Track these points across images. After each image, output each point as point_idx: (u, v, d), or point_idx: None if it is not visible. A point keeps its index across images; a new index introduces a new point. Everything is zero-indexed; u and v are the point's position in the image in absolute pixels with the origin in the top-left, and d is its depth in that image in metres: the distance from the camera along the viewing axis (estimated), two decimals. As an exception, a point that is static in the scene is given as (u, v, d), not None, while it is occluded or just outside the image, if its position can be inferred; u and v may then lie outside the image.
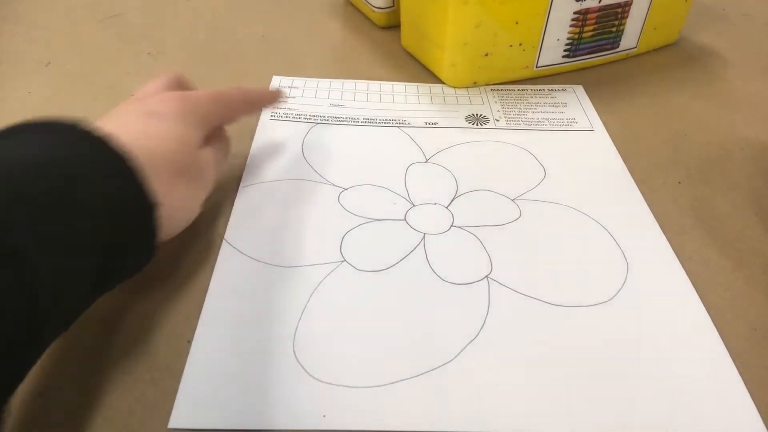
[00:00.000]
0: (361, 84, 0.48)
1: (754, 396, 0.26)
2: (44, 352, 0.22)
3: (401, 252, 0.33)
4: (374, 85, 0.48)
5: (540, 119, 0.44)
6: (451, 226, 0.35)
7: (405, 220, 0.35)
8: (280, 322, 0.29)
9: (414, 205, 0.36)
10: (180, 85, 0.35)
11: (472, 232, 0.34)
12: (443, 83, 0.48)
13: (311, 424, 0.25)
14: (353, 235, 0.34)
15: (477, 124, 0.44)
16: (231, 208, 0.35)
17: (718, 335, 0.29)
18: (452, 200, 0.37)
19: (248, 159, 0.39)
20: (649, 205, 0.37)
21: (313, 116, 0.44)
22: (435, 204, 0.36)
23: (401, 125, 0.43)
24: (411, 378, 0.27)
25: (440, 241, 0.34)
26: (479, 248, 0.33)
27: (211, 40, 0.54)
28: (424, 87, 0.48)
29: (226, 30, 0.55)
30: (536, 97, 0.47)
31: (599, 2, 0.45)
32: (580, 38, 0.47)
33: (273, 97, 0.39)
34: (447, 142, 0.42)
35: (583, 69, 0.50)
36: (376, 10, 0.55)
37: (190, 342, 0.28)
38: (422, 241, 0.34)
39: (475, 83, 0.48)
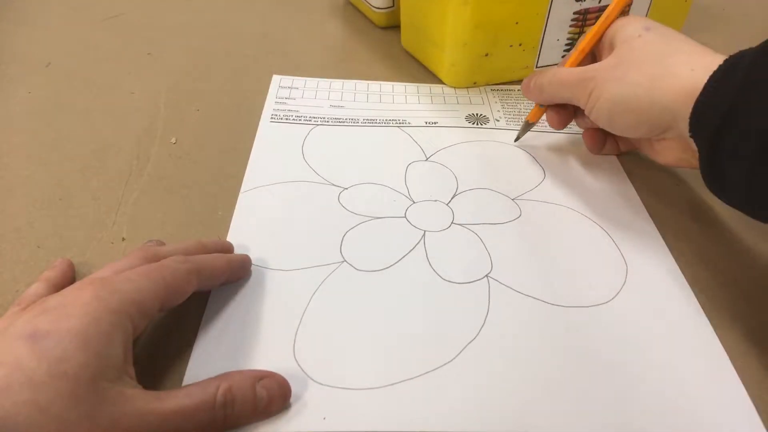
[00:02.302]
0: (362, 84, 0.48)
1: (753, 396, 0.27)
2: None
3: (401, 250, 0.33)
4: (374, 85, 0.48)
5: (540, 119, 0.44)
6: (452, 223, 0.35)
7: (405, 217, 0.35)
8: (281, 325, 0.29)
9: (414, 202, 0.36)
10: (151, 259, 0.27)
11: (472, 230, 0.35)
12: (443, 83, 0.48)
13: (311, 426, 0.25)
14: (353, 234, 0.34)
15: (477, 124, 0.44)
16: (232, 212, 0.35)
17: (717, 336, 0.29)
18: (452, 197, 0.37)
19: (249, 162, 0.39)
20: (647, 207, 0.37)
21: (314, 117, 0.44)
22: (435, 201, 0.36)
23: (401, 125, 0.43)
24: (411, 379, 0.27)
25: (441, 238, 0.34)
26: (480, 246, 0.34)
27: (211, 40, 0.54)
28: (424, 87, 0.48)
29: (226, 30, 0.55)
30: (536, 97, 0.47)
31: (599, 2, 0.45)
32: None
33: (236, 272, 0.31)
34: (447, 141, 0.42)
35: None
36: (376, 10, 0.55)
37: (191, 345, 0.28)
38: (422, 239, 0.34)
39: (475, 83, 0.48)
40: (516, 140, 0.42)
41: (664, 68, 0.30)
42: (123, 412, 0.21)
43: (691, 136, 0.28)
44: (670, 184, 0.39)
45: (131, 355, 0.23)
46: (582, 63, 0.37)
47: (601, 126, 0.35)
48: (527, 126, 0.41)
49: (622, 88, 0.31)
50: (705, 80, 0.27)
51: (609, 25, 0.35)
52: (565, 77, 0.35)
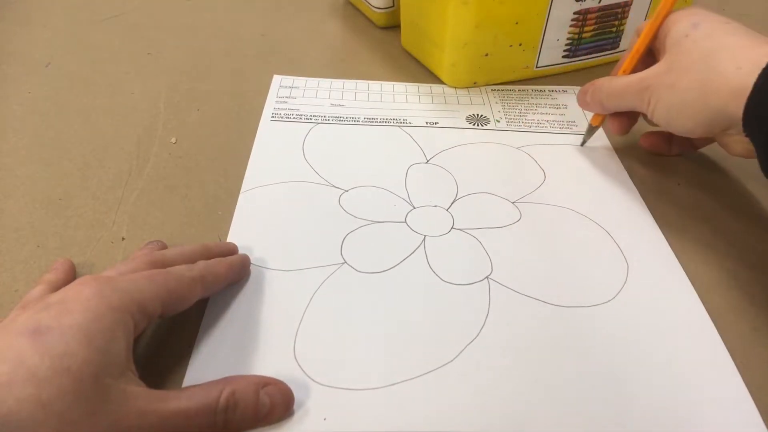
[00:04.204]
0: (362, 84, 0.48)
1: (755, 396, 0.27)
2: None
3: (402, 254, 0.33)
4: (375, 85, 0.48)
5: (541, 120, 0.44)
6: (452, 228, 0.35)
7: (405, 222, 0.35)
8: (281, 326, 0.29)
9: (414, 207, 0.36)
10: (157, 264, 0.27)
11: (472, 234, 0.35)
12: (443, 83, 0.48)
13: (312, 426, 0.25)
14: (354, 237, 0.34)
15: (478, 125, 0.44)
16: (232, 213, 0.35)
17: (719, 335, 0.29)
18: (453, 202, 0.37)
19: (249, 161, 0.39)
20: (648, 207, 0.37)
21: (314, 116, 0.44)
22: (435, 206, 0.36)
23: (402, 125, 0.43)
24: (411, 379, 0.27)
25: (440, 243, 0.34)
26: (479, 250, 0.34)
27: (211, 40, 0.54)
28: (425, 87, 0.48)
29: (226, 30, 0.55)
30: (537, 98, 0.47)
31: (599, 2, 0.45)
32: (580, 38, 0.47)
33: (238, 274, 0.31)
34: (448, 142, 0.42)
35: (583, 69, 0.50)
36: (376, 10, 0.55)
37: (191, 345, 0.28)
38: (422, 243, 0.34)
39: (475, 83, 0.48)
40: (582, 144, 0.42)
41: (711, 69, 0.30)
42: (125, 410, 0.21)
43: (746, 135, 0.28)
44: (672, 183, 0.39)
45: (132, 353, 0.23)
46: (637, 65, 0.37)
47: (663, 128, 0.35)
48: (592, 130, 0.41)
49: (675, 96, 0.32)
50: (753, 79, 0.27)
51: (661, 24, 0.35)
52: (622, 88, 0.36)
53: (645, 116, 0.38)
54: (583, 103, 0.40)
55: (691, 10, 0.34)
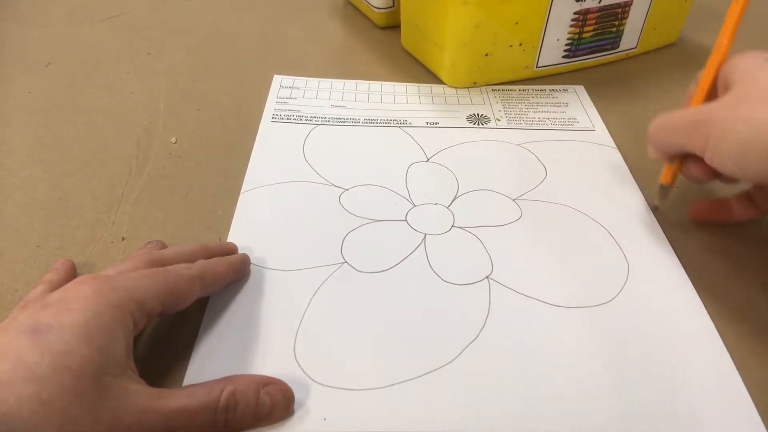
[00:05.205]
0: (362, 84, 0.48)
1: (754, 396, 0.27)
2: None
3: (402, 253, 0.33)
4: (375, 85, 0.48)
5: (541, 119, 0.44)
6: (452, 226, 0.35)
7: (406, 220, 0.35)
8: (281, 326, 0.29)
9: (415, 206, 0.36)
10: (156, 263, 0.28)
11: (472, 233, 0.34)
12: (443, 83, 0.48)
13: (312, 426, 0.25)
14: (354, 236, 0.34)
15: (478, 124, 0.44)
16: (232, 213, 0.35)
17: (719, 336, 0.29)
18: (453, 200, 0.37)
19: (250, 161, 0.39)
20: (649, 205, 0.37)
21: (315, 117, 0.44)
22: (436, 204, 0.36)
23: (402, 125, 0.43)
24: (411, 379, 0.27)
25: (441, 242, 0.34)
26: (480, 248, 0.33)
27: (211, 39, 0.54)
28: (425, 87, 0.48)
29: (226, 30, 0.55)
30: (537, 97, 0.47)
31: (599, 2, 0.45)
32: (580, 38, 0.47)
33: (237, 273, 0.31)
34: (448, 141, 0.42)
35: (583, 69, 0.50)
36: (376, 10, 0.55)
37: (191, 346, 0.28)
38: (423, 242, 0.34)
39: (475, 83, 0.48)
40: (656, 209, 0.35)
41: None
42: (125, 408, 0.21)
43: None
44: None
45: (132, 351, 0.23)
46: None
47: (727, 173, 0.29)
48: (663, 190, 0.35)
49: (751, 129, 0.26)
50: None
51: (725, 55, 0.31)
52: (674, 122, 0.31)
53: (688, 168, 0.32)
54: (648, 150, 0.33)
55: (757, 51, 0.30)
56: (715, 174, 0.31)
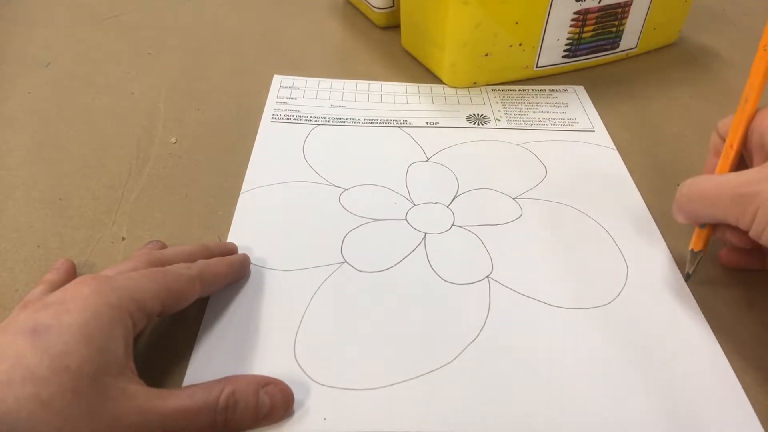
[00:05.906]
0: (362, 84, 0.48)
1: (752, 398, 0.27)
2: None
3: (402, 252, 0.33)
4: (375, 85, 0.48)
5: (541, 119, 0.44)
6: (452, 225, 0.35)
7: (406, 219, 0.35)
8: (281, 326, 0.29)
9: (415, 205, 0.36)
10: (156, 263, 0.27)
11: (472, 231, 0.35)
12: (443, 83, 0.48)
13: (312, 426, 0.25)
14: (354, 235, 0.34)
15: (478, 124, 0.44)
16: (232, 213, 0.35)
17: (716, 338, 0.29)
18: (453, 199, 0.37)
19: (250, 162, 0.39)
20: (648, 206, 0.37)
21: (315, 117, 0.44)
22: (436, 203, 0.36)
23: (402, 125, 0.43)
24: (411, 379, 0.27)
25: (441, 241, 0.34)
26: (480, 247, 0.34)
27: (211, 39, 0.54)
28: (425, 87, 0.48)
29: (226, 30, 0.55)
30: (537, 97, 0.47)
31: (599, 2, 0.45)
32: (580, 38, 0.47)
33: (238, 273, 0.31)
34: (448, 141, 0.42)
35: (583, 69, 0.50)
36: (376, 10, 0.55)
37: (191, 345, 0.28)
38: (423, 241, 0.34)
39: (475, 83, 0.48)
40: (688, 278, 0.32)
41: None
42: (125, 409, 0.21)
43: None
44: (672, 183, 0.39)
45: (131, 351, 0.23)
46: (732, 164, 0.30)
47: None
48: (694, 256, 0.31)
49: None
50: None
51: (754, 109, 0.28)
52: (710, 191, 0.28)
53: (726, 234, 0.29)
54: (674, 212, 0.31)
55: None
56: (754, 242, 0.27)
